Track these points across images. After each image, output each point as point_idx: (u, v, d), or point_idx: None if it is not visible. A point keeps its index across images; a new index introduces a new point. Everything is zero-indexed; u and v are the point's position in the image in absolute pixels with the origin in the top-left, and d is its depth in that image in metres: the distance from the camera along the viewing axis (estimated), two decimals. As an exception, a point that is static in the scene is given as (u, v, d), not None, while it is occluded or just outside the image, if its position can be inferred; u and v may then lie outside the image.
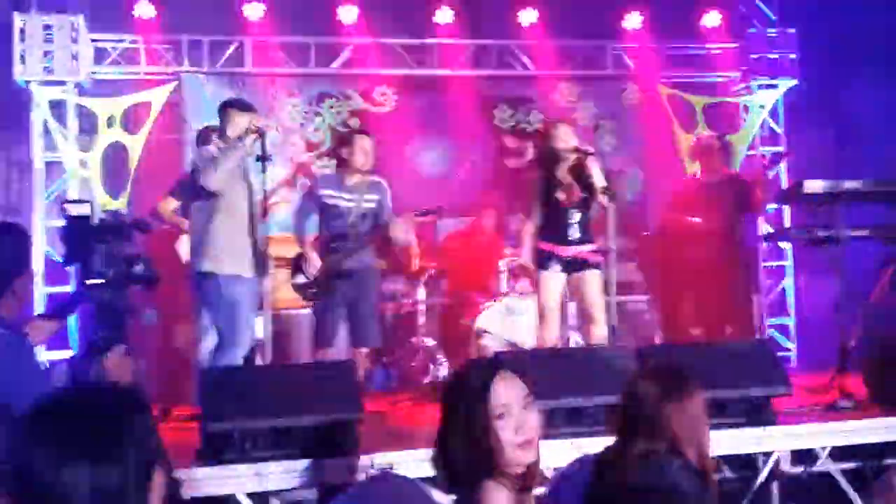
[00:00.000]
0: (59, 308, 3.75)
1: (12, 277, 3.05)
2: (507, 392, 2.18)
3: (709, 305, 7.05)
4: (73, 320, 6.74)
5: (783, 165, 8.59)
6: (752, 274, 7.59)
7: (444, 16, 8.13)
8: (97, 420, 1.48)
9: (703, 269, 6.94)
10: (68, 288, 6.99)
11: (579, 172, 5.51)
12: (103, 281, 3.62)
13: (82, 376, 3.57)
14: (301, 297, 5.85)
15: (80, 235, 3.67)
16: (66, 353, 6.50)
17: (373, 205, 5.75)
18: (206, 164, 5.14)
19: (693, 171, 7.54)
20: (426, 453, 3.90)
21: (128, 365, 3.38)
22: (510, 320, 6.46)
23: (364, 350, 5.88)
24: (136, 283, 3.75)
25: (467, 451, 2.17)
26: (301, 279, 5.72)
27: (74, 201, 3.77)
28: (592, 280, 5.50)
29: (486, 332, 6.38)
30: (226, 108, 5.42)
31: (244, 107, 5.44)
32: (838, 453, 4.52)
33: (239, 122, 5.28)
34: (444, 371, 6.63)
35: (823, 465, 4.50)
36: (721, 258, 6.90)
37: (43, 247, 7.26)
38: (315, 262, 5.65)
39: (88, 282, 3.64)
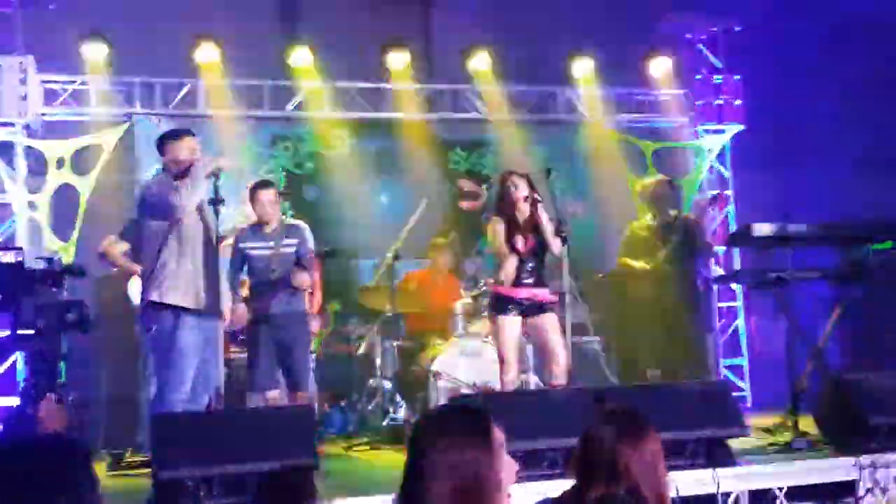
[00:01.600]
0: None
1: None
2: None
3: (663, 346, 7.14)
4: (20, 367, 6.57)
5: (731, 209, 8.77)
6: (704, 314, 7.70)
7: (397, 59, 8.18)
8: (35, 475, 1.45)
9: (656, 311, 7.07)
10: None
11: (533, 220, 5.60)
12: (33, 331, 3.56)
13: (18, 425, 3.50)
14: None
15: (10, 284, 3.61)
16: (13, 400, 6.31)
17: (292, 248, 5.96)
18: (171, 189, 4.98)
19: (644, 214, 7.64)
20: (385, 499, 3.87)
21: (61, 413, 3.32)
22: (467, 362, 6.44)
23: (305, 394, 5.91)
24: (69, 329, 3.68)
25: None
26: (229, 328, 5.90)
27: (5, 248, 3.70)
28: (551, 321, 5.56)
29: (443, 374, 6.34)
30: (162, 142, 5.36)
31: (176, 135, 5.38)
32: (795, 493, 4.55)
33: (177, 150, 5.20)
34: (402, 413, 6.57)
35: (780, 504, 4.52)
36: (673, 299, 7.04)
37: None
38: (238, 313, 5.83)
39: (19, 331, 3.57)
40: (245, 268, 6.05)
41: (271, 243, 5.93)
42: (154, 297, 4.96)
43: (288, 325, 5.89)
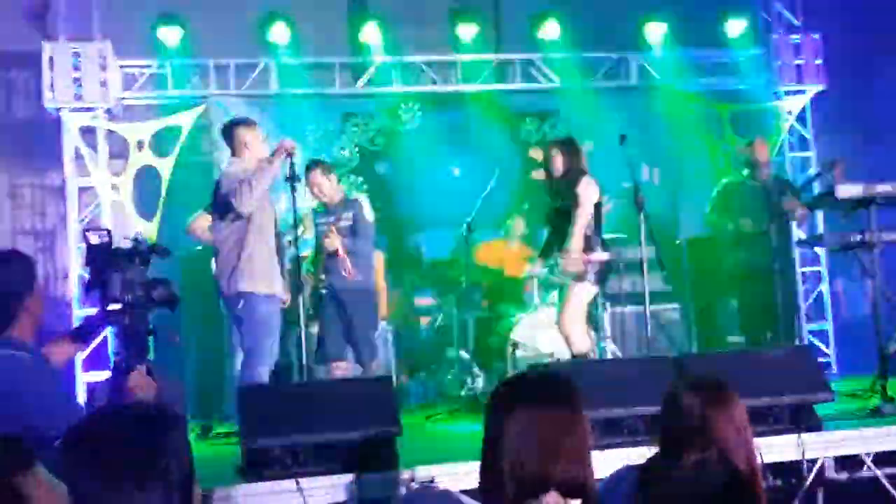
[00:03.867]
0: (78, 332, 3.82)
1: (24, 298, 3.10)
2: (543, 424, 2.14)
3: (748, 312, 6.92)
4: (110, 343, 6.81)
5: (813, 171, 8.53)
6: (794, 279, 7.42)
7: (466, 31, 8.15)
8: (136, 440, 1.48)
9: (745, 275, 6.81)
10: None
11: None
12: (121, 306, 3.70)
13: (108, 397, 3.63)
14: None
15: (98, 263, 3.75)
16: (104, 374, 6.56)
17: (349, 222, 6.06)
18: (239, 186, 5.18)
19: (735, 175, 7.34)
20: (465, 466, 3.91)
21: (151, 385, 3.44)
22: (544, 332, 6.43)
23: (373, 364, 6.08)
24: (157, 305, 3.82)
25: (501, 470, 2.15)
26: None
27: (94, 229, 3.85)
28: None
29: (520, 344, 6.35)
30: (233, 128, 5.56)
31: (250, 123, 5.60)
32: (883, 458, 4.45)
33: (251, 138, 5.42)
34: (479, 384, 6.61)
35: (868, 470, 4.43)
36: (767, 263, 6.66)
37: (78, 270, 7.33)
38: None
39: (109, 307, 3.72)
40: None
41: (332, 218, 6.08)
42: (241, 287, 5.22)
43: (349, 299, 6.03)
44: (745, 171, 7.05)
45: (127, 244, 3.92)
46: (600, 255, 5.60)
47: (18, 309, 3.08)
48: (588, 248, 5.59)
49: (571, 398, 2.17)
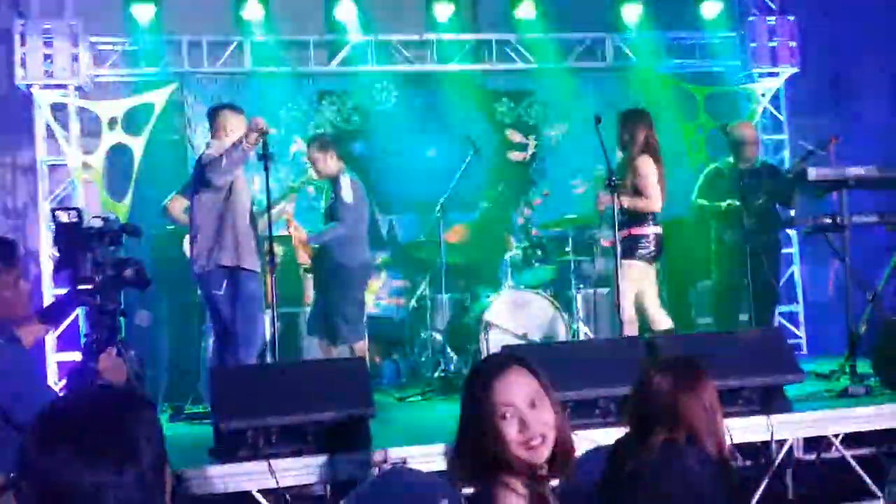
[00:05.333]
0: (48, 312, 3.79)
1: None
2: (510, 390, 2.15)
3: (719, 293, 6.87)
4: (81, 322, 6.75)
5: (786, 154, 8.59)
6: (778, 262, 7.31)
7: (442, 10, 8.11)
8: (107, 423, 1.48)
9: (731, 255, 6.64)
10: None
11: None
12: (91, 286, 3.68)
13: (78, 378, 3.61)
14: None
15: (68, 242, 3.72)
16: (75, 355, 6.51)
17: (332, 201, 6.21)
18: (213, 162, 5.16)
19: (720, 162, 7.23)
20: (438, 448, 3.93)
21: (120, 366, 3.42)
22: (517, 313, 6.45)
23: (359, 345, 6.17)
24: (127, 286, 3.80)
25: (476, 447, 2.16)
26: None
27: (63, 209, 3.80)
28: None
29: (493, 325, 6.37)
30: (219, 110, 5.59)
31: (236, 108, 5.63)
32: (851, 439, 4.51)
33: (233, 123, 5.43)
34: (453, 365, 6.63)
35: (836, 451, 4.49)
36: (756, 245, 6.36)
37: (49, 250, 7.26)
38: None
39: (79, 287, 3.70)
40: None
41: (322, 197, 6.26)
42: (226, 262, 5.20)
43: (327, 279, 6.17)
44: (732, 153, 6.84)
45: (98, 223, 3.89)
46: (643, 229, 5.62)
47: None
48: (638, 221, 5.61)
49: (538, 373, 2.20)
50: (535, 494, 2.16)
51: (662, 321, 5.66)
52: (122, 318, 3.82)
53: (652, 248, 5.65)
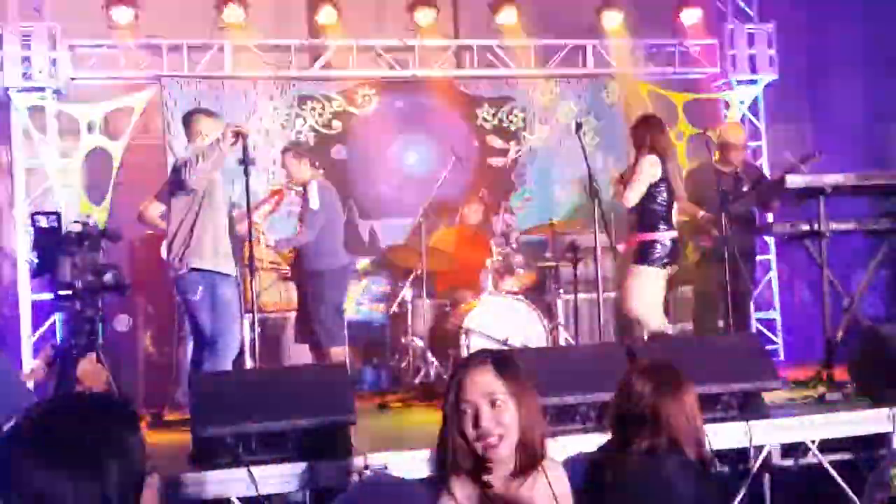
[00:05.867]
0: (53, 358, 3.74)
1: None
2: (470, 387, 2.20)
3: (707, 299, 6.83)
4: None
5: (764, 160, 8.65)
6: (754, 267, 7.33)
7: (424, 16, 8.11)
8: (89, 430, 1.46)
9: (710, 261, 6.51)
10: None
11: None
12: (71, 291, 3.64)
13: (58, 385, 3.58)
14: None
15: (48, 246, 3.68)
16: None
17: (299, 207, 6.43)
18: (189, 162, 5.15)
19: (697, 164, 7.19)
20: (420, 454, 3.92)
21: (100, 372, 3.39)
22: (498, 319, 6.45)
23: (336, 350, 6.24)
24: (107, 291, 3.77)
25: (442, 440, 2.23)
26: None
27: (42, 213, 3.75)
28: None
29: (474, 331, 6.37)
30: (193, 115, 5.62)
31: (211, 113, 5.69)
32: (828, 445, 4.55)
33: (208, 127, 5.44)
34: (434, 371, 6.63)
35: (814, 457, 4.52)
36: (733, 250, 6.13)
37: (26, 254, 7.19)
38: None
39: (59, 292, 3.66)
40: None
41: (298, 201, 6.37)
42: (201, 265, 5.14)
43: (306, 285, 6.28)
44: (718, 155, 6.75)
45: (77, 228, 3.85)
46: (654, 235, 5.58)
47: None
48: (650, 226, 5.60)
49: (510, 375, 2.24)
50: (483, 493, 2.20)
51: (664, 328, 5.65)
52: (100, 324, 3.80)
53: (663, 253, 5.59)
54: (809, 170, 5.78)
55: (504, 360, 2.31)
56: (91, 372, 3.34)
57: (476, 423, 2.18)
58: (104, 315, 3.95)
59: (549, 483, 2.27)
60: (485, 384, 2.22)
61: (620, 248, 5.81)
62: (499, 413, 2.19)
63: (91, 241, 3.76)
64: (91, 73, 7.76)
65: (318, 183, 6.40)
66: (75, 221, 4.24)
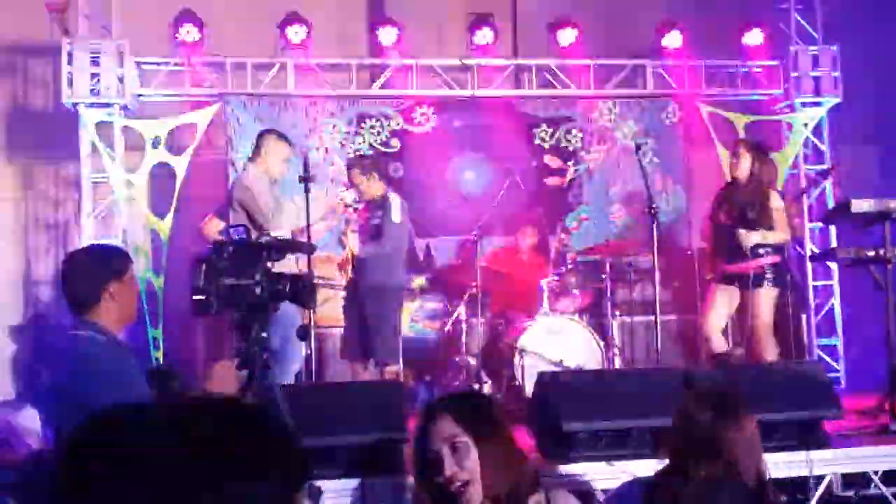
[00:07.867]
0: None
1: (106, 284, 3.11)
2: (432, 436, 2.26)
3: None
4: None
5: (829, 183, 8.49)
6: (804, 292, 7.28)
7: (483, 36, 8.15)
8: (229, 446, 1.14)
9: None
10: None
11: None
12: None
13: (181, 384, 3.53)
14: None
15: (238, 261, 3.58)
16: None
17: (377, 221, 6.37)
18: (261, 211, 5.48)
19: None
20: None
21: (232, 379, 3.35)
22: (552, 339, 6.42)
23: (392, 368, 6.21)
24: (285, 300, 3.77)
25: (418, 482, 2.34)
26: None
27: (232, 226, 3.58)
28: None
29: (528, 351, 6.35)
30: (265, 134, 5.90)
31: (281, 136, 5.89)
32: (892, 477, 4.43)
33: (274, 149, 5.69)
34: (486, 390, 6.61)
35: (876, 489, 4.41)
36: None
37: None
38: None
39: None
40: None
41: (367, 216, 6.39)
42: None
43: (367, 299, 6.23)
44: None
45: (266, 238, 3.84)
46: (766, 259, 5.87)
47: (99, 293, 3.10)
48: (778, 248, 5.93)
49: (469, 422, 2.26)
50: None
51: (771, 350, 5.81)
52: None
53: (773, 275, 5.88)
54: (874, 194, 5.67)
55: (465, 404, 2.36)
56: (224, 377, 3.35)
57: (439, 470, 2.22)
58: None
59: None
60: (443, 431, 2.26)
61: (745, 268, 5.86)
62: (460, 458, 2.22)
63: (273, 253, 3.63)
64: (157, 90, 7.94)
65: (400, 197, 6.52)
66: (262, 234, 4.39)
